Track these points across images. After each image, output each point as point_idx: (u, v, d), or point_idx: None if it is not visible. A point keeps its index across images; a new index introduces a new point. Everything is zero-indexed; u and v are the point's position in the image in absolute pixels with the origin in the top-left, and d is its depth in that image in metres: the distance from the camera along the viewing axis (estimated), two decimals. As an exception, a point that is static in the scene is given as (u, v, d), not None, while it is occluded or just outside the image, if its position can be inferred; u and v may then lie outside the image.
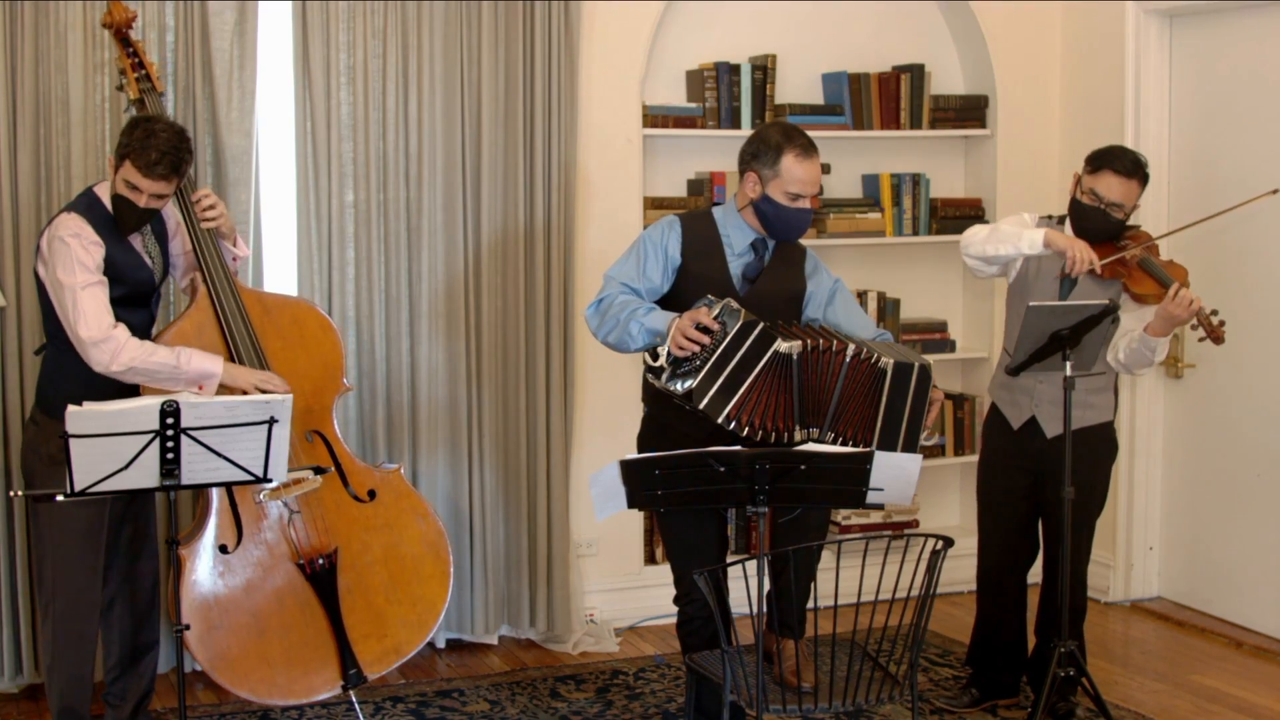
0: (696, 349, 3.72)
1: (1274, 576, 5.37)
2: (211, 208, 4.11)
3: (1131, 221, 4.48)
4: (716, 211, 4.11)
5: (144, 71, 4.16)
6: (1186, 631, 5.54)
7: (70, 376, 3.97)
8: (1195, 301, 4.23)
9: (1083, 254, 4.26)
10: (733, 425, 3.75)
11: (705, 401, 3.73)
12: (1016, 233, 4.39)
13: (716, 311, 3.76)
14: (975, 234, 4.49)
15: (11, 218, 4.59)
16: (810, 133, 5.57)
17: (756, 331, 3.73)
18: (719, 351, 3.72)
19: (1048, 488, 4.46)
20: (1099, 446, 4.51)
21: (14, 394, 4.63)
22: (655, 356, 3.80)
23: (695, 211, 4.18)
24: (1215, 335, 4.29)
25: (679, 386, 3.75)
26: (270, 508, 4.18)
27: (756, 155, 4.00)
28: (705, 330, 3.72)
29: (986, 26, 5.89)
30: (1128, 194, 4.34)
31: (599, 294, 4.01)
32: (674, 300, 3.99)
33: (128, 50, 4.18)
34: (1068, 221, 4.49)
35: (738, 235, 4.05)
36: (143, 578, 4.24)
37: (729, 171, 5.37)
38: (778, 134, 4.01)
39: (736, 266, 4.03)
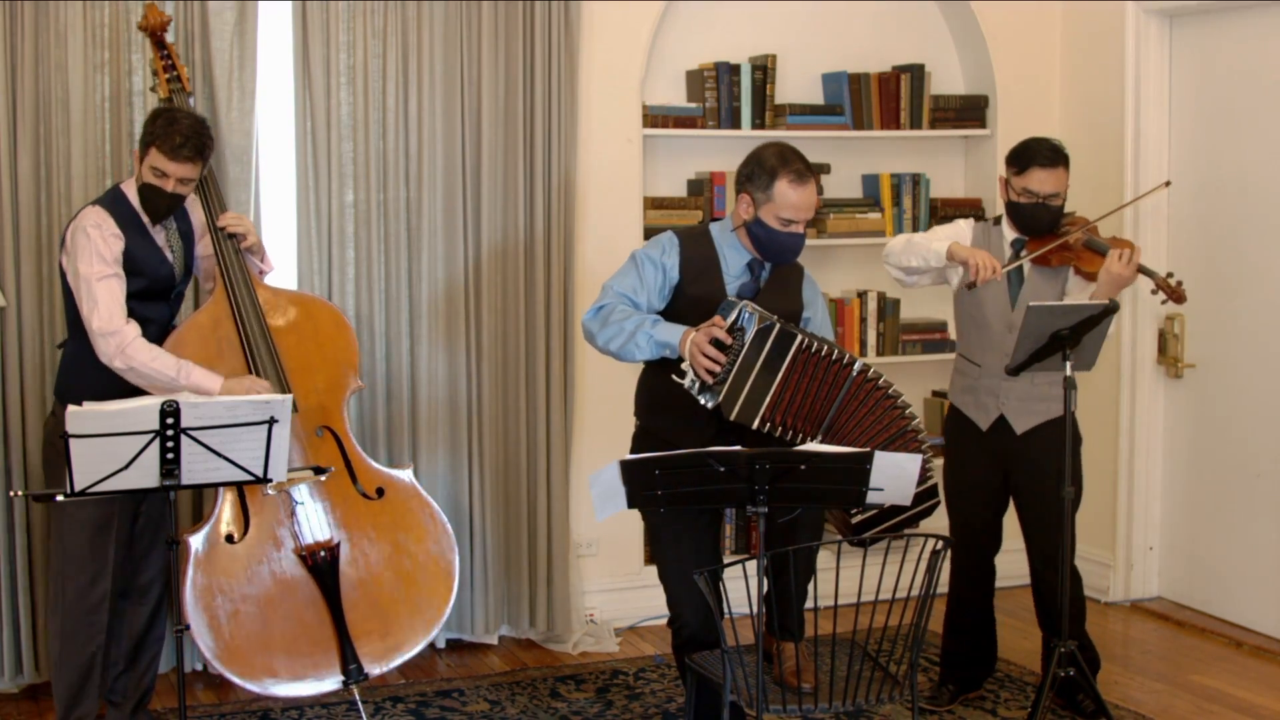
0: (718, 368, 3.71)
1: (1274, 576, 5.37)
2: (239, 226, 4.23)
3: (1067, 209, 4.56)
4: (714, 229, 4.07)
5: (175, 73, 4.28)
6: (1186, 631, 5.54)
7: (90, 370, 4.03)
8: (1135, 253, 4.31)
9: (984, 262, 4.30)
10: (767, 427, 3.78)
11: (735, 413, 3.75)
12: (927, 244, 4.45)
13: (733, 317, 3.74)
14: (895, 244, 4.54)
15: (11, 218, 4.59)
16: (810, 133, 5.66)
17: (775, 334, 3.72)
18: (739, 361, 3.70)
19: (1023, 483, 4.50)
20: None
21: (14, 394, 4.63)
22: (682, 374, 3.78)
23: (693, 229, 4.13)
24: (1175, 295, 4.37)
25: (709, 402, 3.76)
26: (277, 500, 4.19)
27: (751, 177, 3.94)
28: (721, 345, 3.71)
29: (986, 26, 5.89)
30: (1058, 182, 4.44)
31: (598, 301, 3.99)
32: (670, 320, 3.95)
33: (161, 53, 4.29)
34: (1004, 221, 4.54)
35: (733, 256, 4.01)
36: (152, 571, 4.27)
37: (729, 172, 5.37)
38: (773, 157, 3.93)
39: (733, 288, 3.99)
